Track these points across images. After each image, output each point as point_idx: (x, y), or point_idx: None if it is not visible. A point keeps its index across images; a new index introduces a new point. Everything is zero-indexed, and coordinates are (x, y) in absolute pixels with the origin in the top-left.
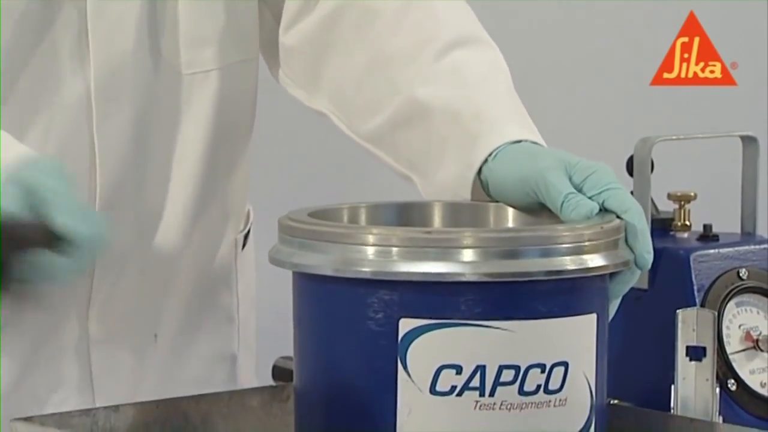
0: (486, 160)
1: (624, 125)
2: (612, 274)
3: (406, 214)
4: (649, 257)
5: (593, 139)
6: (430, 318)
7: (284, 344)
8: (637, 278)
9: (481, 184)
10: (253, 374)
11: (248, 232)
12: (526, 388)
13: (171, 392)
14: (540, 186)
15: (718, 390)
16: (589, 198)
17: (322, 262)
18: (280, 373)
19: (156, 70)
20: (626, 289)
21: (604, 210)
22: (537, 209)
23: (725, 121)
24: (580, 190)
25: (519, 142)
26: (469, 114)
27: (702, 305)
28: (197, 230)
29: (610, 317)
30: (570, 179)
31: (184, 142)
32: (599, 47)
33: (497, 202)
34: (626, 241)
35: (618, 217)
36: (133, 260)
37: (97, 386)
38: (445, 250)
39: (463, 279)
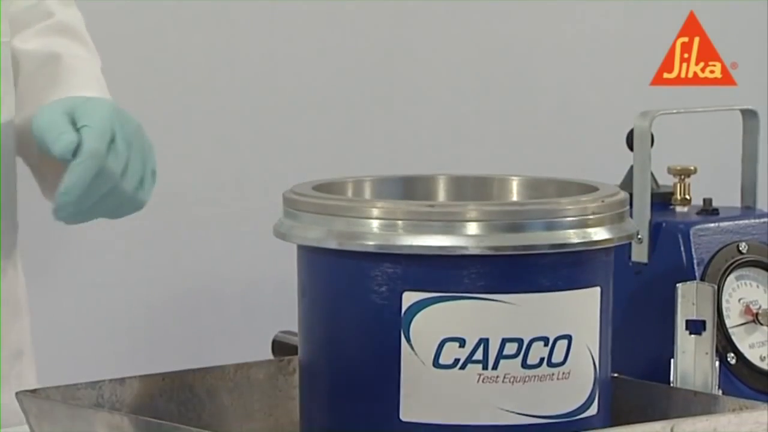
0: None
1: (624, 99)
2: None
3: (411, 188)
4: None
5: (594, 111)
6: (434, 291)
7: (284, 319)
8: None
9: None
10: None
11: None
12: (529, 361)
13: None
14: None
15: (717, 363)
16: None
17: (327, 236)
18: (279, 347)
19: None
20: None
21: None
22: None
23: (725, 97)
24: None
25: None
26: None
27: (702, 279)
28: None
29: None
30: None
31: None
32: (599, 47)
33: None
34: None
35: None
36: None
37: None
38: (449, 223)
39: (467, 252)
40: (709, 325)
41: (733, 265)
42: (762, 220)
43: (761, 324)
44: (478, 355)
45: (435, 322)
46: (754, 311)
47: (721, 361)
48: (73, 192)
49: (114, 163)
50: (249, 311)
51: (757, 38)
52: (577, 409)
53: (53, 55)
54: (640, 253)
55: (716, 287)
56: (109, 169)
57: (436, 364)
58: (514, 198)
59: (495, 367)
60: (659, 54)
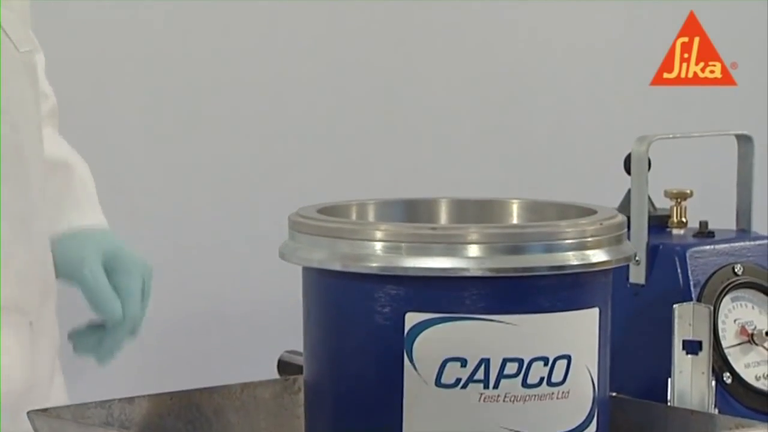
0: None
1: (622, 124)
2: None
3: (413, 211)
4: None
5: (592, 137)
6: (436, 312)
7: (289, 339)
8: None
9: None
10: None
11: None
12: (529, 381)
13: None
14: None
15: (713, 383)
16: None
17: (331, 258)
18: (285, 366)
19: None
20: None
21: None
22: None
23: (724, 119)
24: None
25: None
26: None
27: (698, 300)
28: None
29: None
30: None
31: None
32: (599, 47)
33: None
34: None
35: None
36: None
37: None
38: (451, 245)
39: (468, 274)
40: (705, 346)
41: (729, 287)
42: (757, 242)
43: (756, 344)
44: (480, 375)
45: (437, 343)
46: (750, 332)
47: (717, 381)
48: (115, 351)
49: (141, 317)
50: (255, 331)
51: (757, 38)
52: (577, 427)
53: (64, 165)
54: (637, 275)
55: (712, 308)
56: (138, 324)
57: (438, 383)
58: (515, 221)
59: (496, 387)
60: (659, 54)
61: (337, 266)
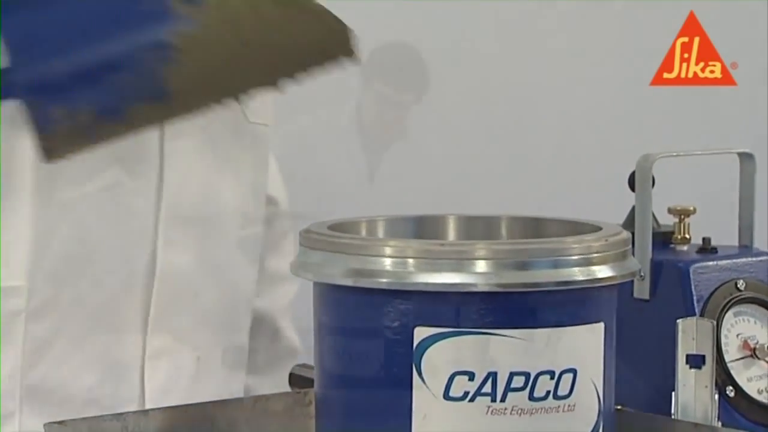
0: None
1: (626, 137)
2: None
3: (422, 227)
4: None
5: (597, 154)
6: (444, 326)
7: (301, 353)
8: None
9: None
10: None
11: None
12: (536, 394)
13: None
14: None
15: (717, 396)
16: None
17: (342, 273)
18: (296, 380)
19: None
20: None
21: None
22: None
23: (724, 120)
24: None
25: None
26: None
27: (701, 315)
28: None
29: None
30: None
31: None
32: (599, 48)
33: None
34: None
35: None
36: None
37: (149, 404)
38: (459, 261)
39: (476, 289)
40: (708, 360)
41: (732, 302)
42: (759, 258)
43: (759, 358)
44: (487, 388)
45: (445, 356)
46: (752, 346)
47: (720, 394)
48: None
49: None
50: None
51: (757, 38)
52: None
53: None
54: (642, 290)
55: (715, 323)
56: None
57: (446, 396)
58: (521, 237)
59: (503, 400)
60: (659, 54)
61: (347, 281)
